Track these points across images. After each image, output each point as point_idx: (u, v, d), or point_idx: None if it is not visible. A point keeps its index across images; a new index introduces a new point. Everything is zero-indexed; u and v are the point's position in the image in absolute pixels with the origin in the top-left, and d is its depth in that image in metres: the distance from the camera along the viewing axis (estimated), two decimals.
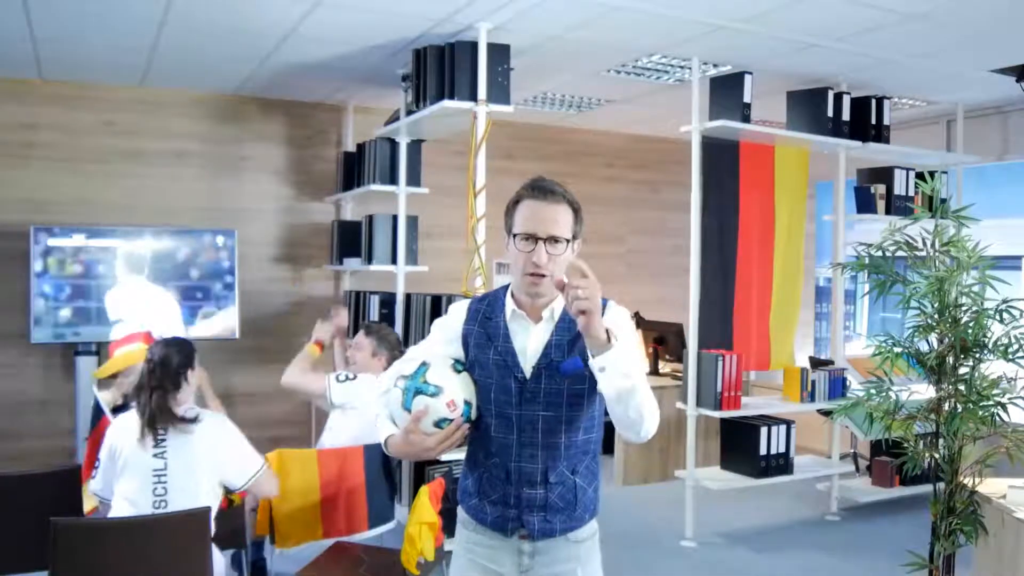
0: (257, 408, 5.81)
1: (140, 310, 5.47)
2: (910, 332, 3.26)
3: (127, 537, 2.68)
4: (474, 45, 4.31)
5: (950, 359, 3.21)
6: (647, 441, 1.95)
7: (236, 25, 4.41)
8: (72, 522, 2.73)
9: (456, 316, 2.10)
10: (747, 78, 4.86)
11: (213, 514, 2.80)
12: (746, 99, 4.86)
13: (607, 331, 1.79)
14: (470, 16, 4.18)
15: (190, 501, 2.80)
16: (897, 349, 3.26)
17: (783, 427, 5.05)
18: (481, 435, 2.05)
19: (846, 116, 5.31)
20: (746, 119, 4.86)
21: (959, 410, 3.17)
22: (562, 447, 2.00)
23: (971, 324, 3.16)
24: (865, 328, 7.48)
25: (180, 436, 2.89)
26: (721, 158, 5.03)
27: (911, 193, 5.64)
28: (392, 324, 5.03)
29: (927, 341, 3.27)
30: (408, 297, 5.10)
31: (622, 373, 1.80)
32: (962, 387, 3.19)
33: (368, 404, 3.19)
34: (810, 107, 5.30)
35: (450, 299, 4.24)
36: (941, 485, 3.24)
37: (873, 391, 3.28)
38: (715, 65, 5.08)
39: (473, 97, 4.29)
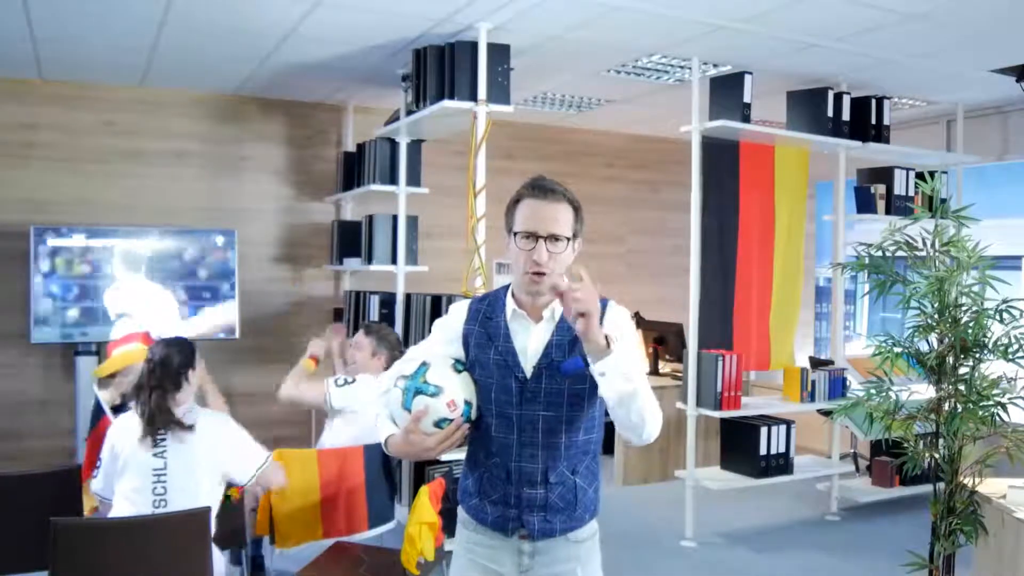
0: (257, 408, 5.78)
1: (139, 308, 5.48)
2: (910, 332, 3.26)
3: (127, 537, 2.68)
4: (474, 45, 4.31)
5: (950, 359, 3.21)
6: None
7: (236, 25, 4.41)
8: (72, 522, 2.73)
9: (456, 316, 2.10)
10: (747, 78, 4.86)
11: (213, 514, 2.80)
12: (746, 99, 4.86)
13: (606, 337, 1.79)
14: (470, 16, 4.18)
15: (190, 501, 2.80)
16: (897, 349, 3.26)
17: (783, 427, 5.05)
18: (481, 435, 2.05)
19: (846, 116, 5.31)
20: (746, 119, 4.86)
21: (959, 410, 3.17)
22: (562, 447, 2.00)
23: (971, 324, 3.16)
24: (865, 328, 7.48)
25: (180, 436, 2.89)
26: (721, 158, 5.03)
27: (911, 193, 5.64)
28: (392, 324, 5.02)
29: (927, 341, 3.27)
30: (408, 297, 5.10)
31: (623, 377, 1.80)
32: (962, 387, 3.19)
33: (368, 406, 3.19)
34: (810, 107, 5.30)
35: (450, 299, 4.24)
36: (941, 485, 3.24)
37: (873, 391, 3.28)
38: (715, 65, 5.08)
39: (473, 97, 4.29)
